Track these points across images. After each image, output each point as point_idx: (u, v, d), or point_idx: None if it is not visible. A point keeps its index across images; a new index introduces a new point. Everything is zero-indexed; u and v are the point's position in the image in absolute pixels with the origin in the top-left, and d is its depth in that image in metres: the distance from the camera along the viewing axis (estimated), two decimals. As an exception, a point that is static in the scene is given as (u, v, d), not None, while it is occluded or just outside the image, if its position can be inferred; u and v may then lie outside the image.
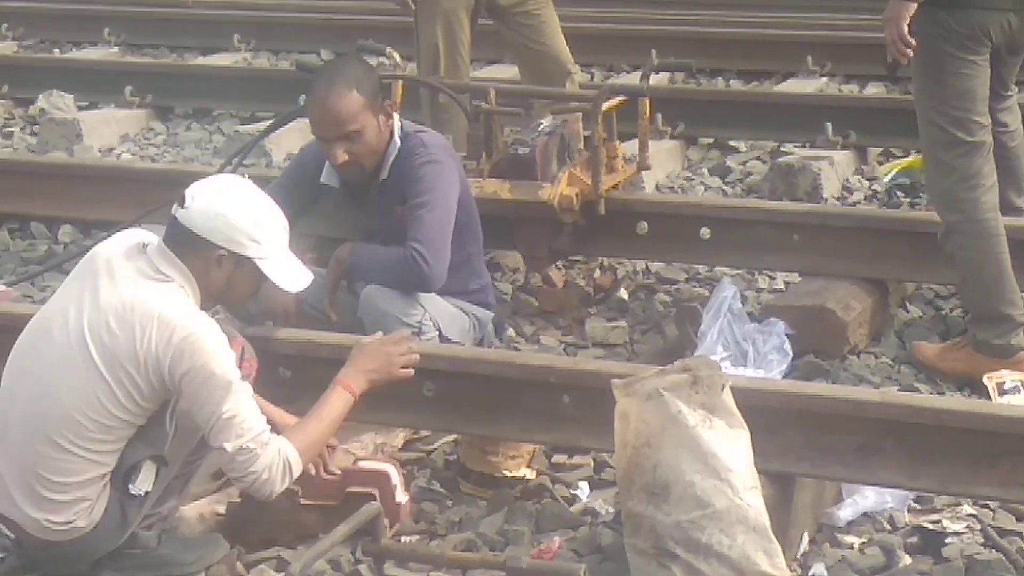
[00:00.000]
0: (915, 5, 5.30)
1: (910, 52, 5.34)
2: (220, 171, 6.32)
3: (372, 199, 5.40)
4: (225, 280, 4.21)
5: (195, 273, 4.16)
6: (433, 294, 5.27)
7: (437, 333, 5.24)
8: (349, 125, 5.21)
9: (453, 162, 5.46)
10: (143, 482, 4.14)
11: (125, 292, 4.09)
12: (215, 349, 4.06)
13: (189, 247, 4.14)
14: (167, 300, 4.09)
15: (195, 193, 4.18)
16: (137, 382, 4.04)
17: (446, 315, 5.28)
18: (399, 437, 5.12)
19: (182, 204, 4.15)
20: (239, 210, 4.18)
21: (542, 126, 6.19)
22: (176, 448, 4.20)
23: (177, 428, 4.16)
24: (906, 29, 5.32)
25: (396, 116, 5.40)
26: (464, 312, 5.43)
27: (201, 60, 10.79)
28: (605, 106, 6.19)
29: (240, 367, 4.19)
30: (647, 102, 6.45)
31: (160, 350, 4.02)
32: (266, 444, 4.09)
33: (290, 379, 4.86)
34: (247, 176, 5.61)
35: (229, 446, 4.05)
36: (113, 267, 4.15)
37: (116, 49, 11.22)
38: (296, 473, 4.16)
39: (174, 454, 4.20)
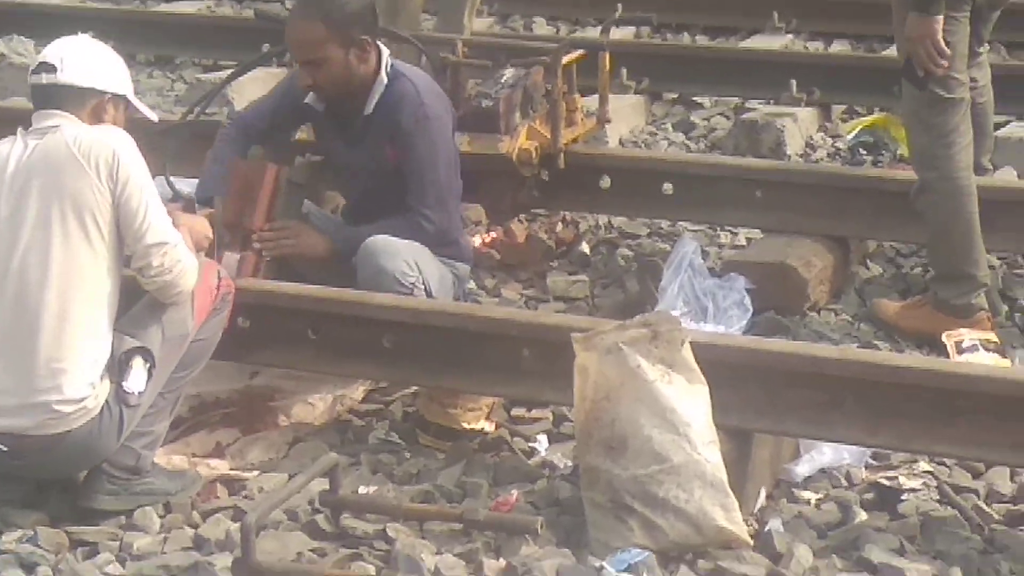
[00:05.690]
0: (942, 18, 5.27)
1: (945, 63, 5.30)
2: (182, 119, 6.29)
3: (356, 132, 5.35)
4: (111, 123, 4.41)
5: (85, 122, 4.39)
6: (426, 251, 5.22)
7: (424, 296, 5.19)
8: (311, 53, 5.21)
9: (447, 114, 5.42)
10: (136, 380, 4.27)
11: (39, 147, 4.29)
12: (137, 154, 4.32)
13: (76, 102, 4.36)
14: (79, 127, 4.31)
15: (57, 56, 4.39)
16: (95, 184, 4.22)
17: (436, 277, 5.19)
18: (359, 390, 5.11)
19: (52, 71, 4.36)
20: (105, 57, 4.48)
21: (505, 78, 6.16)
22: (165, 355, 4.33)
23: (164, 335, 4.32)
24: (943, 42, 5.28)
25: (385, 53, 5.34)
26: (448, 269, 5.36)
27: (164, 7, 10.69)
28: (565, 59, 6.17)
29: (219, 287, 4.50)
30: (607, 56, 6.43)
31: (102, 155, 4.24)
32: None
33: (249, 329, 4.84)
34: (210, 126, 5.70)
35: (166, 236, 4.29)
36: (16, 152, 4.33)
37: (78, -6, 11.11)
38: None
39: (163, 361, 4.33)
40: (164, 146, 5.95)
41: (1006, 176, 6.94)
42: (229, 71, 7.37)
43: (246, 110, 5.82)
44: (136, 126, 4.56)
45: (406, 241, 5.13)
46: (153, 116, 4.66)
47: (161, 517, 4.38)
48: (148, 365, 4.30)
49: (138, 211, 4.24)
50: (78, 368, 4.19)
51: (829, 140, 7.87)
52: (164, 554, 4.16)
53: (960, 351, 5.37)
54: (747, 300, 5.63)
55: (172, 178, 5.78)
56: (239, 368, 5.08)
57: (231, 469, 4.68)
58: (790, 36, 9.64)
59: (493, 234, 6.39)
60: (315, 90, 5.29)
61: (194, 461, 4.70)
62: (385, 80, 5.26)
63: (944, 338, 5.43)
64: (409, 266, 5.06)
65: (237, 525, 4.10)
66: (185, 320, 4.40)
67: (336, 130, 5.41)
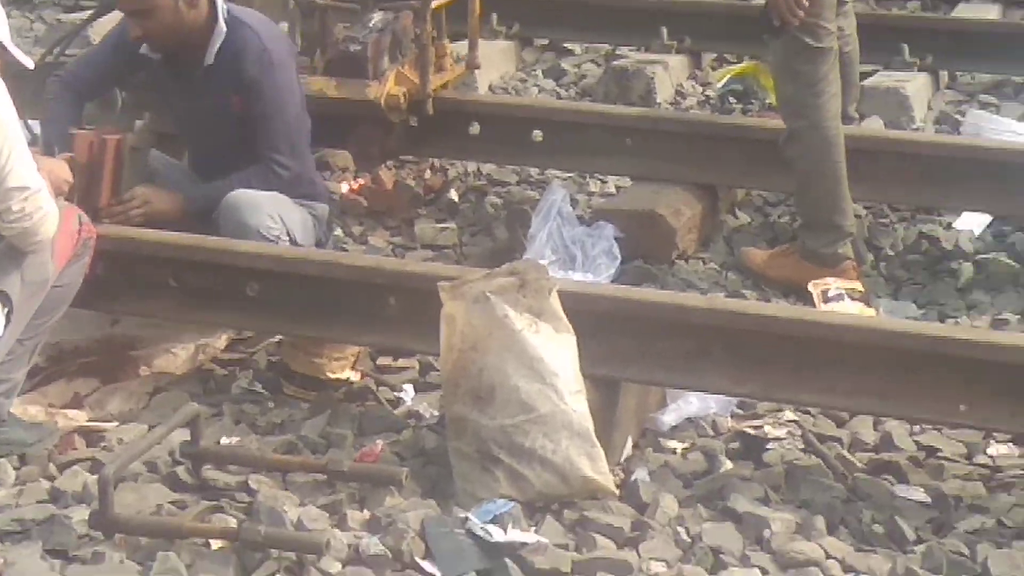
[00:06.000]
0: None
1: (801, 14, 5.29)
2: (42, 60, 6.14)
3: (198, 82, 5.23)
4: None
5: None
6: (286, 199, 5.14)
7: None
8: (136, 3, 5.08)
9: (291, 57, 5.36)
10: None
11: None
12: (5, 96, 4.17)
13: None
14: None
15: None
16: None
17: (298, 224, 5.13)
18: (222, 339, 5.04)
19: None
20: None
21: (373, 22, 6.08)
22: (24, 300, 4.22)
23: (23, 279, 4.21)
24: None
25: (220, 1, 5.23)
26: (307, 211, 5.29)
27: (24, -55, 10.46)
28: (434, 4, 6.10)
29: (80, 233, 4.40)
30: (477, 0, 6.38)
31: None
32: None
33: (109, 276, 4.74)
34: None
35: (29, 181, 4.13)
36: None
37: (-66, -68, 10.83)
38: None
39: (21, 306, 4.22)
40: (21, 89, 5.80)
41: (872, 125, 7.00)
42: (89, 11, 7.23)
43: (75, 64, 5.64)
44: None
45: (266, 193, 5.05)
46: (29, 63, 4.50)
47: (16, 469, 4.28)
48: (6, 310, 4.20)
49: (0, 152, 4.12)
50: None
51: (699, 88, 7.89)
52: (19, 507, 4.06)
53: (826, 300, 5.41)
54: (616, 248, 5.63)
55: (30, 122, 5.63)
56: (99, 316, 5.00)
57: (89, 420, 4.60)
58: (662, -17, 9.61)
59: (361, 181, 6.32)
60: (146, 41, 5.16)
61: (51, 412, 4.61)
62: (224, 28, 5.15)
63: (811, 287, 5.46)
64: (272, 219, 4.99)
65: (95, 477, 4.02)
66: (45, 265, 4.29)
67: (175, 80, 5.29)
